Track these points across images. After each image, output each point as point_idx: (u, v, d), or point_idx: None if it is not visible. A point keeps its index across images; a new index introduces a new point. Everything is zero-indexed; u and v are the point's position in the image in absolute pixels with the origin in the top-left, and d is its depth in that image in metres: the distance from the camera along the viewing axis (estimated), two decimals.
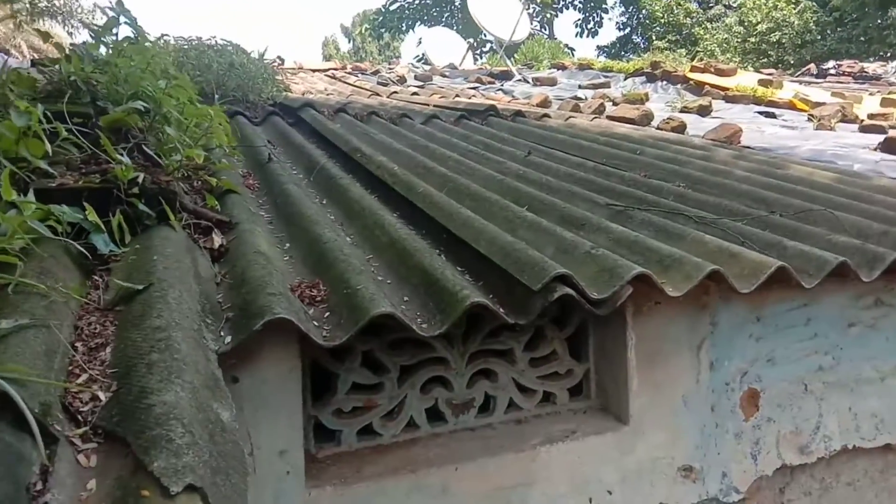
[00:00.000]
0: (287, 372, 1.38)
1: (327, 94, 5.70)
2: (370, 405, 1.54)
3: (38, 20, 12.81)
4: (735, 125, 4.60)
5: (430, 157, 3.06)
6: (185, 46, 5.00)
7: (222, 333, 1.25)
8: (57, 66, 2.03)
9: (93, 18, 13.11)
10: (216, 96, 4.35)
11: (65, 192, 1.44)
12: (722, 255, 1.73)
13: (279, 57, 5.64)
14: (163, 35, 6.03)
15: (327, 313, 1.43)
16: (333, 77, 7.02)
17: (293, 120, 4.22)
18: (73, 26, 12.96)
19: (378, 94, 5.69)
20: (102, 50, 2.24)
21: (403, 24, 11.80)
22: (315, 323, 1.39)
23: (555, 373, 1.76)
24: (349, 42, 17.92)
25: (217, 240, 1.72)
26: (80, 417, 0.81)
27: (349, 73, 7.46)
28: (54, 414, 0.79)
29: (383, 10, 11.54)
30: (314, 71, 7.47)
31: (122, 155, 1.65)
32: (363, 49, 20.66)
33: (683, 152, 3.69)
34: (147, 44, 2.35)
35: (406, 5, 11.50)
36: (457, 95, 6.07)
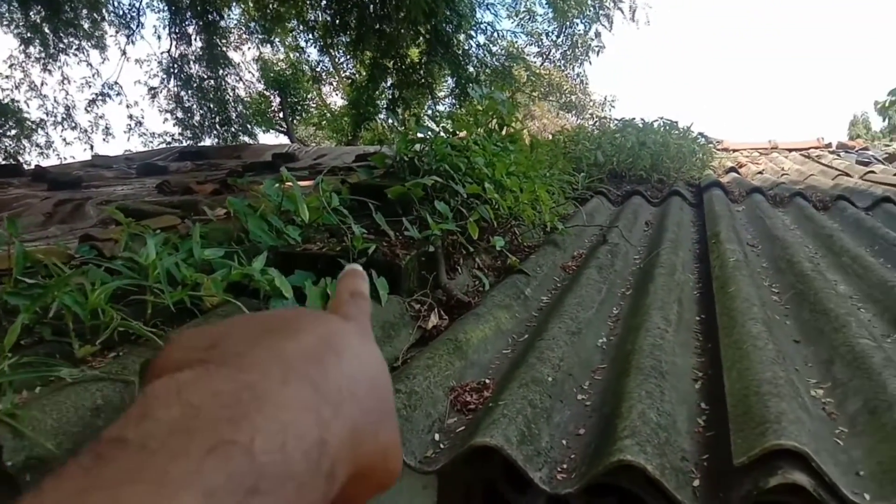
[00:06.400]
0: (420, 488, 1.20)
1: (780, 175, 4.98)
2: None
3: (560, 113, 15.65)
4: None
5: (821, 249, 2.49)
6: (613, 127, 5.21)
7: None
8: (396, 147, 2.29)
9: (602, 110, 15.17)
10: (625, 175, 4.46)
11: (305, 257, 1.60)
12: None
13: (701, 134, 5.33)
14: (601, 118, 6.41)
15: (461, 428, 1.20)
16: (807, 157, 6.07)
17: (696, 200, 3.85)
18: (584, 118, 15.00)
19: (848, 175, 4.63)
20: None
21: None
22: (437, 436, 1.18)
23: None
24: (884, 120, 15.52)
25: (433, 320, 1.66)
26: None
27: (830, 153, 6.27)
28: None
29: None
30: (790, 150, 6.60)
31: (399, 226, 1.76)
32: None
33: None
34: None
35: None
36: None
